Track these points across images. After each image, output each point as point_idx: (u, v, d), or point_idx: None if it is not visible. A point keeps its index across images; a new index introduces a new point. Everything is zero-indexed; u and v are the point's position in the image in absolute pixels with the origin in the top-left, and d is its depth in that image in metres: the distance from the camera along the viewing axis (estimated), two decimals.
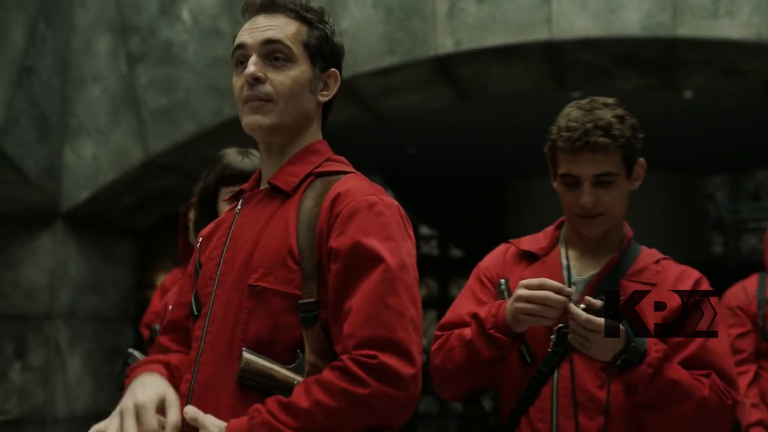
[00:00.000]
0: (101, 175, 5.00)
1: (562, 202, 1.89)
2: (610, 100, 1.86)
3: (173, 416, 1.39)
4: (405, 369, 1.35)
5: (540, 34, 4.51)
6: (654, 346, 1.71)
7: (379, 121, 5.61)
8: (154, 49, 4.98)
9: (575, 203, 1.84)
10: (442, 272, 12.24)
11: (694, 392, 1.72)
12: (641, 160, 1.89)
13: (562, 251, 1.91)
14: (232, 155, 2.26)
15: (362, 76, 4.73)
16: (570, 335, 1.70)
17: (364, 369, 1.33)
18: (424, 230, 12.82)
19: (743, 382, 2.89)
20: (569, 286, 1.82)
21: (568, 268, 1.87)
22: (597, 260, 1.88)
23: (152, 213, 5.68)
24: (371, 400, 1.33)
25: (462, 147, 8.12)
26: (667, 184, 8.66)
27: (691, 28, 4.32)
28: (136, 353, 1.98)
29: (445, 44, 4.60)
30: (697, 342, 1.77)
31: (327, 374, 1.35)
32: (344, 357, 1.36)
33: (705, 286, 1.84)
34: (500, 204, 9.44)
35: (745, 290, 3.03)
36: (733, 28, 4.27)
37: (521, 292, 1.71)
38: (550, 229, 1.98)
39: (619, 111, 1.84)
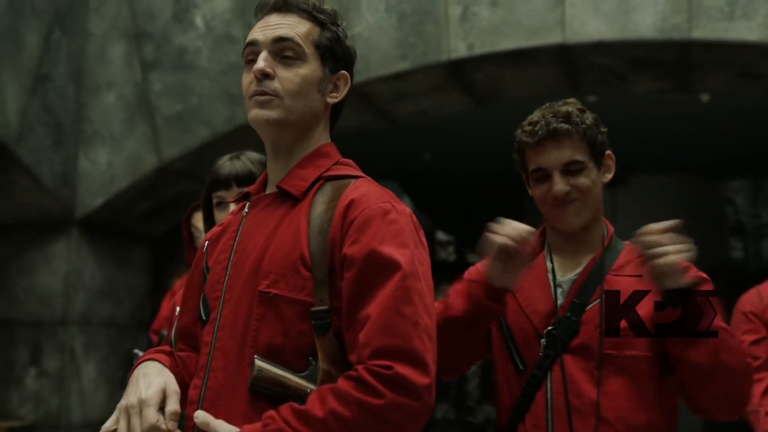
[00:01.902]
0: (116, 182, 5.02)
1: (536, 202, 1.91)
2: (571, 100, 1.91)
3: (171, 405, 1.40)
4: (420, 379, 1.34)
5: (553, 38, 4.48)
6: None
7: (393, 126, 5.60)
8: (168, 55, 5.00)
9: (548, 195, 1.86)
10: (459, 278, 12.17)
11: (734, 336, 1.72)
12: (609, 152, 1.92)
13: (547, 256, 1.92)
14: (221, 161, 2.27)
15: (375, 81, 4.72)
16: (646, 254, 1.64)
17: (379, 380, 1.32)
18: (441, 236, 12.78)
19: (758, 390, 2.82)
20: (555, 288, 1.85)
21: (553, 270, 1.88)
22: (581, 261, 1.89)
23: (167, 219, 5.69)
24: (386, 411, 1.32)
25: (477, 152, 8.09)
26: (684, 188, 8.59)
27: (706, 30, 4.27)
28: (141, 354, 1.98)
29: (458, 48, 4.58)
30: None
31: (342, 384, 1.34)
32: (359, 367, 1.35)
33: (693, 271, 1.82)
34: (516, 209, 9.41)
35: (759, 295, 2.96)
36: (750, 30, 4.22)
37: None
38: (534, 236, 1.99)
39: (579, 105, 1.89)
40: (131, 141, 5.01)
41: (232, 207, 1.79)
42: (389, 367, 1.33)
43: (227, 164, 2.22)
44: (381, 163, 8.42)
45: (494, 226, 1.72)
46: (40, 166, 4.68)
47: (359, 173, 1.55)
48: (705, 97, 6.02)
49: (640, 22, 4.37)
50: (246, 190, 1.64)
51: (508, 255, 1.70)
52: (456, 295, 1.77)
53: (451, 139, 7.57)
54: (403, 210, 1.46)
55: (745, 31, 4.22)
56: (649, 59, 4.61)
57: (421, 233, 1.48)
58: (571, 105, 1.87)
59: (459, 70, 4.74)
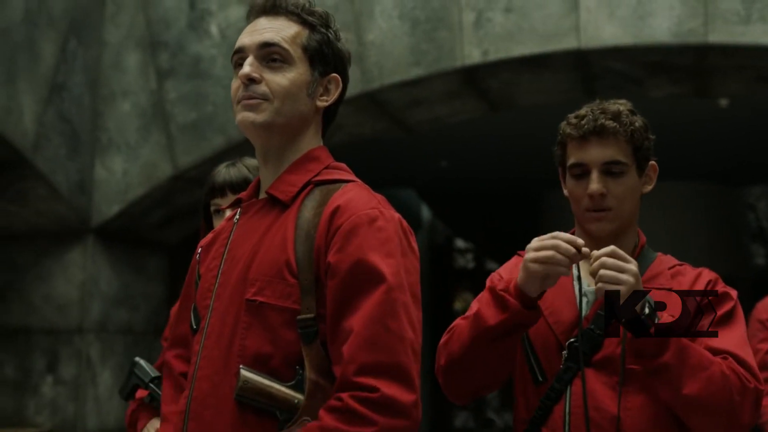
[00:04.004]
0: (131, 190, 5.04)
1: (570, 201, 1.86)
2: (622, 101, 1.86)
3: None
4: (407, 397, 1.32)
5: (568, 43, 4.44)
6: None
7: (408, 133, 5.58)
8: (183, 64, 5.02)
9: (584, 196, 1.80)
10: (478, 285, 12.13)
11: (714, 361, 1.63)
12: (653, 163, 1.86)
13: None
14: (218, 168, 2.27)
15: (389, 88, 4.70)
16: (599, 276, 1.61)
17: (367, 406, 1.30)
18: (460, 243, 12.73)
19: None
20: (580, 298, 1.77)
21: (579, 278, 1.80)
22: None
23: (182, 227, 5.71)
24: None
25: (494, 158, 8.06)
26: (705, 194, 8.50)
27: (722, 34, 4.23)
28: (143, 362, 1.98)
29: (472, 55, 4.56)
30: None
31: (330, 421, 1.31)
32: (344, 395, 1.31)
33: (719, 286, 1.79)
34: (535, 215, 9.36)
35: None
36: (767, 33, 4.17)
37: (532, 244, 1.66)
38: None
39: (630, 107, 1.84)
40: (146, 149, 5.03)
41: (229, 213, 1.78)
42: (375, 389, 1.30)
43: (222, 171, 2.22)
44: (397, 170, 8.41)
45: (547, 240, 1.65)
46: (56, 175, 4.71)
47: (350, 177, 1.52)
48: (724, 102, 5.96)
49: (655, 27, 4.33)
50: (238, 196, 1.63)
51: (549, 274, 1.65)
52: (486, 305, 1.69)
53: (467, 145, 7.54)
54: (391, 216, 1.43)
55: (761, 34, 4.17)
56: (665, 64, 4.56)
57: (412, 238, 1.46)
58: (622, 105, 1.83)
59: (473, 77, 4.72)
